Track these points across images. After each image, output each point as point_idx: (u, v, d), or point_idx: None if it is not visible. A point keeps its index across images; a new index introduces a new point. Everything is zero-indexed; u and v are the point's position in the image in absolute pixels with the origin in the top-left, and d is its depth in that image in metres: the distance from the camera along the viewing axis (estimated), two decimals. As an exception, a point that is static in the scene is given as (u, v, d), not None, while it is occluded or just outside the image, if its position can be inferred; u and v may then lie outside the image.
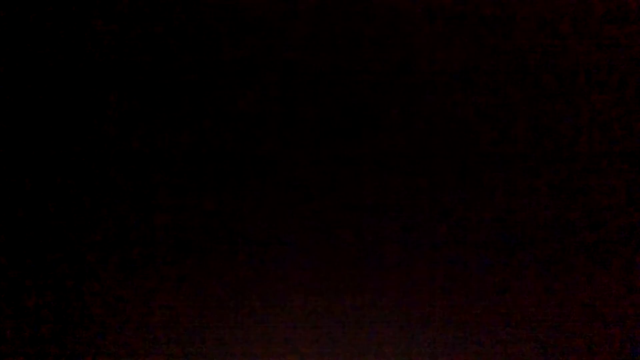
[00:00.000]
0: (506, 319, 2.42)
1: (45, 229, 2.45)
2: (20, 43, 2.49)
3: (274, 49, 2.49)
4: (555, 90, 2.47)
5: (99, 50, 2.49)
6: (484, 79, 2.47)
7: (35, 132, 2.47)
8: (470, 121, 2.46)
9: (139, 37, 2.48)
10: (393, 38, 2.48)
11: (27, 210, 2.46)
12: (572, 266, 2.43)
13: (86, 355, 2.43)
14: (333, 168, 2.46)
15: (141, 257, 2.45)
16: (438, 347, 2.42)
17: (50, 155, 2.47)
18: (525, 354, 2.42)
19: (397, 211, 2.44)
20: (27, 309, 2.44)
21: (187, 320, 2.44)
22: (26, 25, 2.49)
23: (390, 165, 2.46)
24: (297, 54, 2.48)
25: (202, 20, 2.49)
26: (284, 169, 2.46)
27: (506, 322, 2.42)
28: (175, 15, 2.49)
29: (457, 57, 2.48)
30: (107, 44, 2.48)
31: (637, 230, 2.43)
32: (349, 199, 2.45)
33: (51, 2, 2.49)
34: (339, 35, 2.49)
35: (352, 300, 2.44)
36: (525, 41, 2.48)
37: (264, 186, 2.46)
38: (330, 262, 2.45)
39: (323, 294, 2.44)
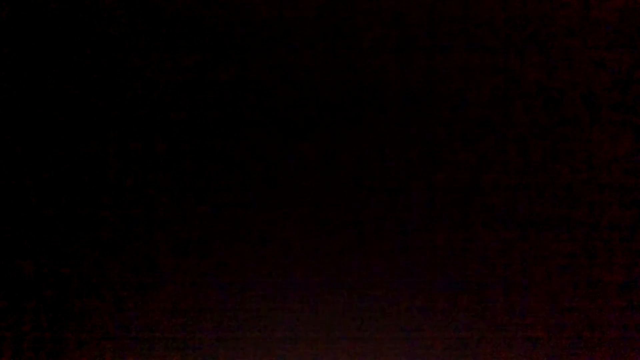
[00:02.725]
0: (506, 319, 2.42)
1: (44, 228, 2.46)
2: (20, 43, 2.49)
3: (274, 47, 2.49)
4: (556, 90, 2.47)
5: (99, 50, 2.49)
6: (485, 77, 2.47)
7: (35, 132, 2.48)
8: (471, 119, 2.47)
9: (139, 38, 2.49)
10: (394, 35, 2.49)
11: (26, 210, 2.46)
12: (573, 266, 2.43)
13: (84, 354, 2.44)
14: (333, 167, 2.46)
15: (140, 257, 2.45)
16: (438, 347, 2.42)
17: (49, 155, 2.47)
18: (525, 354, 2.42)
19: (397, 210, 2.45)
20: (26, 308, 2.45)
21: (187, 320, 2.44)
22: (26, 25, 2.49)
23: (391, 164, 2.46)
24: (296, 53, 2.49)
25: (202, 20, 2.50)
26: (283, 168, 2.46)
27: (506, 322, 2.42)
28: (175, 15, 2.49)
29: (457, 56, 2.48)
30: (106, 43, 2.49)
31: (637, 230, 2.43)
32: (349, 197, 2.45)
33: (51, 2, 2.49)
34: (339, 33, 2.49)
35: (352, 300, 2.44)
36: (525, 40, 2.48)
37: (264, 185, 2.47)
38: (330, 262, 2.45)
39: (322, 294, 2.44)
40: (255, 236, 2.45)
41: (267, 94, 2.48)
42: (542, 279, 2.43)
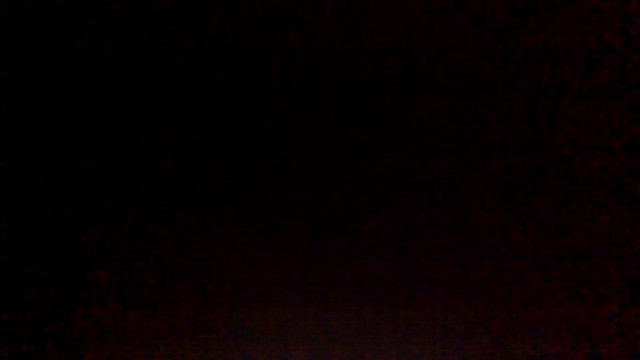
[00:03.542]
0: (507, 319, 2.42)
1: (44, 227, 2.46)
2: (19, 42, 2.49)
3: (274, 45, 2.49)
4: (554, 91, 2.47)
5: (98, 47, 2.49)
6: (483, 77, 2.47)
7: (35, 131, 2.48)
8: (471, 119, 2.46)
9: (138, 34, 2.49)
10: (394, 35, 2.49)
11: (27, 209, 2.46)
12: (573, 266, 2.43)
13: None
14: (333, 167, 2.46)
15: (140, 255, 2.45)
16: (438, 347, 2.42)
17: (49, 154, 2.47)
18: (525, 354, 2.41)
19: (397, 211, 2.44)
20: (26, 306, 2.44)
21: (186, 320, 2.44)
22: (25, 24, 2.49)
23: (391, 164, 2.46)
24: (297, 52, 2.49)
25: (202, 16, 2.49)
26: (283, 168, 2.46)
27: (506, 323, 2.42)
28: (175, 12, 2.49)
29: (457, 56, 2.48)
30: (105, 40, 2.49)
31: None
32: (349, 197, 2.45)
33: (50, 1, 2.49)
34: (339, 31, 2.49)
35: (352, 301, 2.44)
36: (525, 39, 2.48)
37: (264, 185, 2.46)
38: (329, 263, 2.45)
39: (323, 295, 2.44)
40: (255, 236, 2.45)
41: (266, 94, 2.48)
42: (542, 278, 2.43)
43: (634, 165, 2.44)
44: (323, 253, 2.44)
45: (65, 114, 2.48)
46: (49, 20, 2.49)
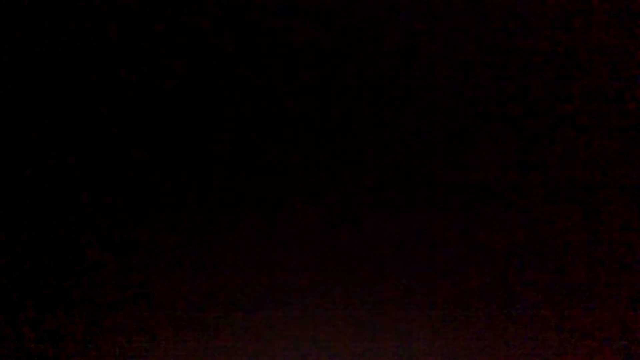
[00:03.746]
0: (507, 319, 2.42)
1: (44, 227, 2.46)
2: (19, 42, 2.49)
3: (275, 46, 2.49)
4: (556, 92, 2.47)
5: (98, 49, 2.49)
6: (484, 76, 2.47)
7: (35, 131, 2.48)
8: (472, 119, 2.46)
9: (138, 36, 2.48)
10: (394, 36, 2.48)
11: (27, 209, 2.46)
12: (574, 267, 2.43)
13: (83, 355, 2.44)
14: (333, 167, 2.46)
15: (140, 257, 2.45)
16: (438, 347, 2.42)
17: (48, 153, 2.47)
18: (525, 354, 2.42)
19: (397, 211, 2.45)
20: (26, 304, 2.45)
21: (187, 321, 2.44)
22: (26, 24, 2.49)
23: (391, 165, 2.46)
24: (296, 52, 2.49)
25: (202, 18, 2.49)
26: (283, 168, 2.46)
27: (506, 323, 2.42)
28: (175, 14, 2.49)
29: (458, 55, 2.48)
30: (105, 42, 2.48)
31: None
32: (349, 197, 2.45)
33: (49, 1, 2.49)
34: (340, 34, 2.49)
35: (352, 301, 2.44)
36: (525, 38, 2.48)
37: (264, 186, 2.46)
38: (329, 263, 2.45)
39: (323, 295, 2.44)
40: (255, 236, 2.45)
41: (265, 94, 2.48)
42: (543, 278, 2.43)
43: (635, 165, 2.44)
44: (323, 253, 2.44)
45: (63, 113, 2.48)
46: (48, 19, 2.49)
